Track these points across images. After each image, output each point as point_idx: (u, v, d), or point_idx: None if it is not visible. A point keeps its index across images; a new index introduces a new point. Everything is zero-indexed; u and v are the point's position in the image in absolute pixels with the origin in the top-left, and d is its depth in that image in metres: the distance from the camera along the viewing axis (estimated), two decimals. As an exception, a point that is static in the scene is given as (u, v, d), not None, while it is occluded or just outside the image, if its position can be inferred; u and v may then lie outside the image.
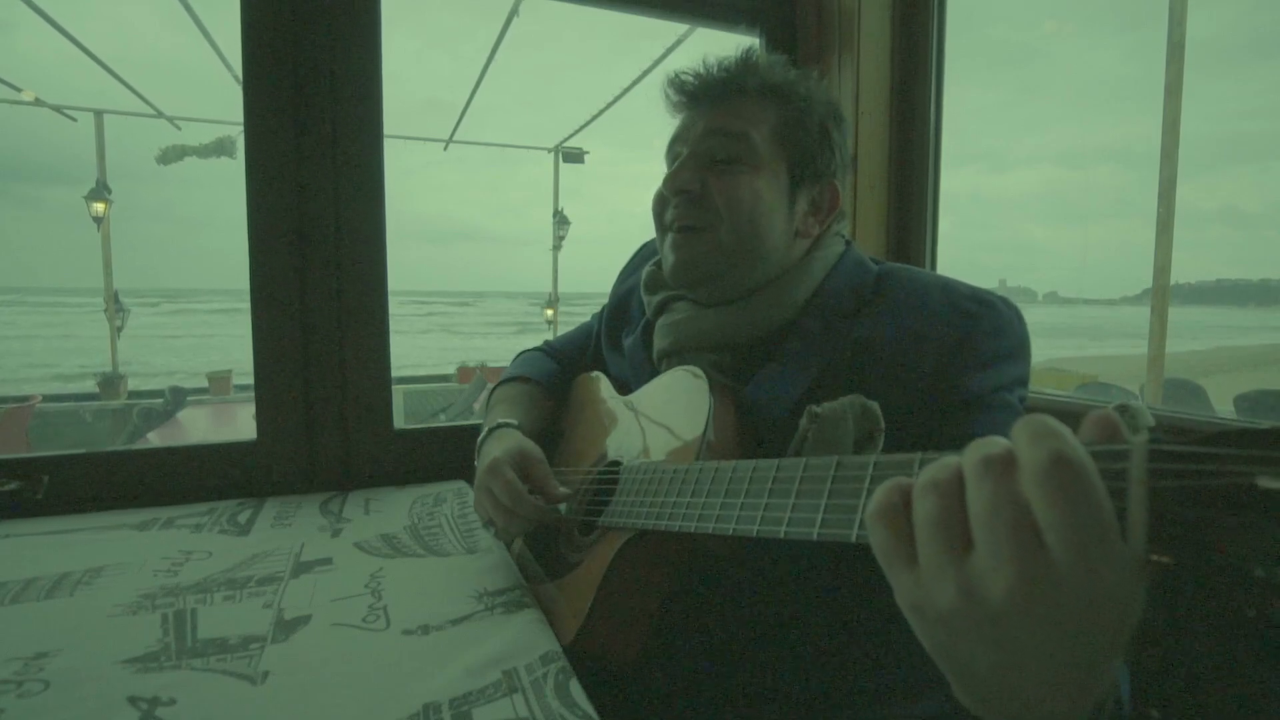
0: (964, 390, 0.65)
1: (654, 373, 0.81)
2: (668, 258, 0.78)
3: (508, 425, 0.88)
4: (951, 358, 0.65)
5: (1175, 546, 0.27)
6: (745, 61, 0.78)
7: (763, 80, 0.77)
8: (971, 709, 0.35)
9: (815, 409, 0.63)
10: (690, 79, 0.78)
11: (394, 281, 1.15)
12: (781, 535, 0.46)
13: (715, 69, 0.78)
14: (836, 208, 0.79)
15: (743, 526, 0.51)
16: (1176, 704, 0.29)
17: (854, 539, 0.40)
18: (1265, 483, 0.25)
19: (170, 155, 8.44)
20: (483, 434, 0.88)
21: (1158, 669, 0.29)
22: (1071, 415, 0.33)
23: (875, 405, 0.62)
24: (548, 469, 0.79)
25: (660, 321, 0.82)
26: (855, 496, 0.41)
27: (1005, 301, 0.69)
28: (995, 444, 0.31)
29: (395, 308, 1.28)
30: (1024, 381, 0.69)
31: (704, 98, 0.78)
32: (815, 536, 0.43)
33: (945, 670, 0.35)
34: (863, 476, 0.41)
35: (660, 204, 0.79)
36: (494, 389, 1.01)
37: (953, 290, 0.70)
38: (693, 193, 0.75)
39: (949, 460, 0.33)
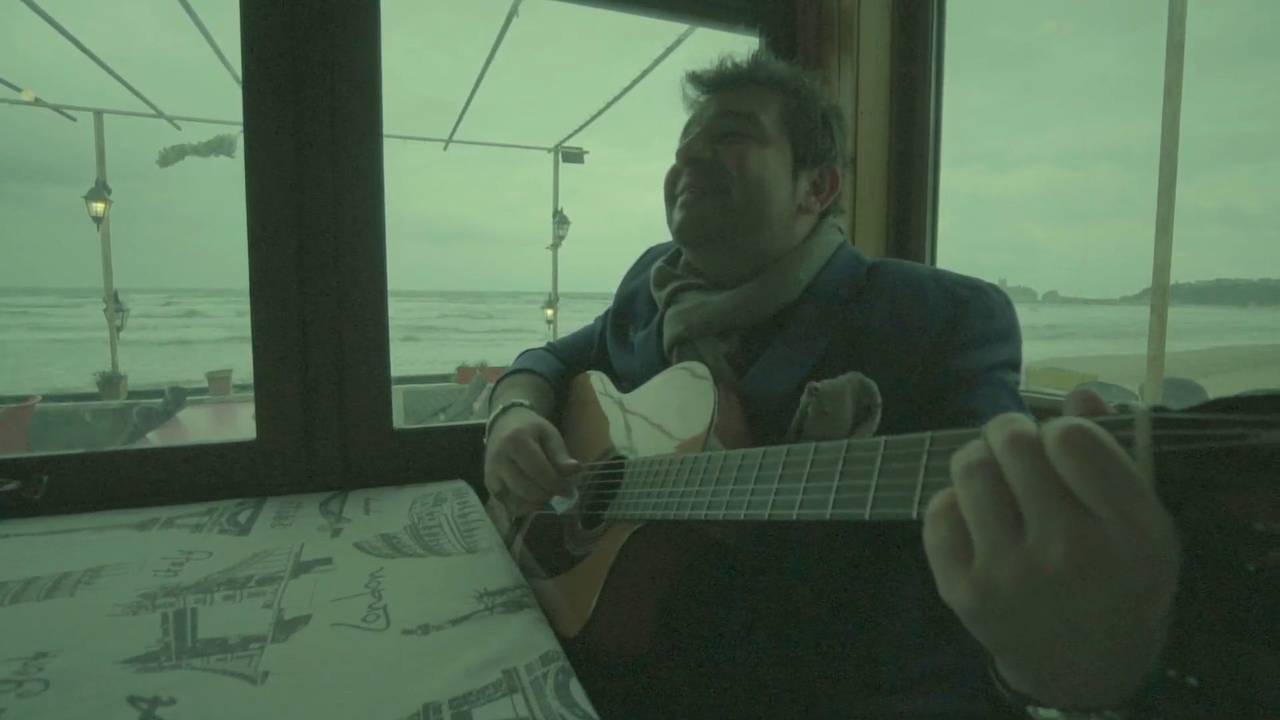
0: (957, 370, 0.67)
1: (665, 365, 0.83)
2: (676, 219, 0.82)
3: (521, 405, 0.90)
4: (944, 339, 0.68)
5: (1180, 506, 0.29)
6: (755, 58, 0.85)
7: (770, 73, 0.83)
8: (1029, 691, 0.36)
9: (815, 385, 0.65)
10: (706, 73, 0.85)
11: (393, 282, 1.15)
12: (794, 517, 0.47)
13: (729, 64, 0.85)
14: (836, 188, 0.84)
15: (754, 511, 0.51)
16: (1211, 670, 0.30)
17: (867, 517, 0.41)
18: (1260, 442, 0.26)
19: (169, 156, 8.42)
20: (496, 411, 0.90)
21: (1192, 632, 0.30)
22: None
23: (872, 382, 0.64)
24: (563, 445, 0.81)
25: (670, 312, 0.85)
26: (867, 477, 0.42)
27: (995, 288, 0.72)
28: (1018, 420, 0.32)
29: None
30: (1015, 365, 0.71)
31: (718, 88, 0.84)
32: (828, 516, 0.44)
33: (1003, 656, 0.36)
34: (874, 458, 0.42)
35: (672, 178, 0.84)
36: (499, 381, 1.03)
37: (944, 278, 0.73)
38: (704, 160, 0.80)
39: (976, 444, 0.34)
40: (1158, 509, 0.29)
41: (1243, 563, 0.27)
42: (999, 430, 0.32)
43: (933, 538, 0.34)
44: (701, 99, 0.86)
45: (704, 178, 0.79)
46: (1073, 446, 0.30)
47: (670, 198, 0.83)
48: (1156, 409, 0.30)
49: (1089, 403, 0.33)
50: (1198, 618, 0.31)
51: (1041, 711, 0.36)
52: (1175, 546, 0.29)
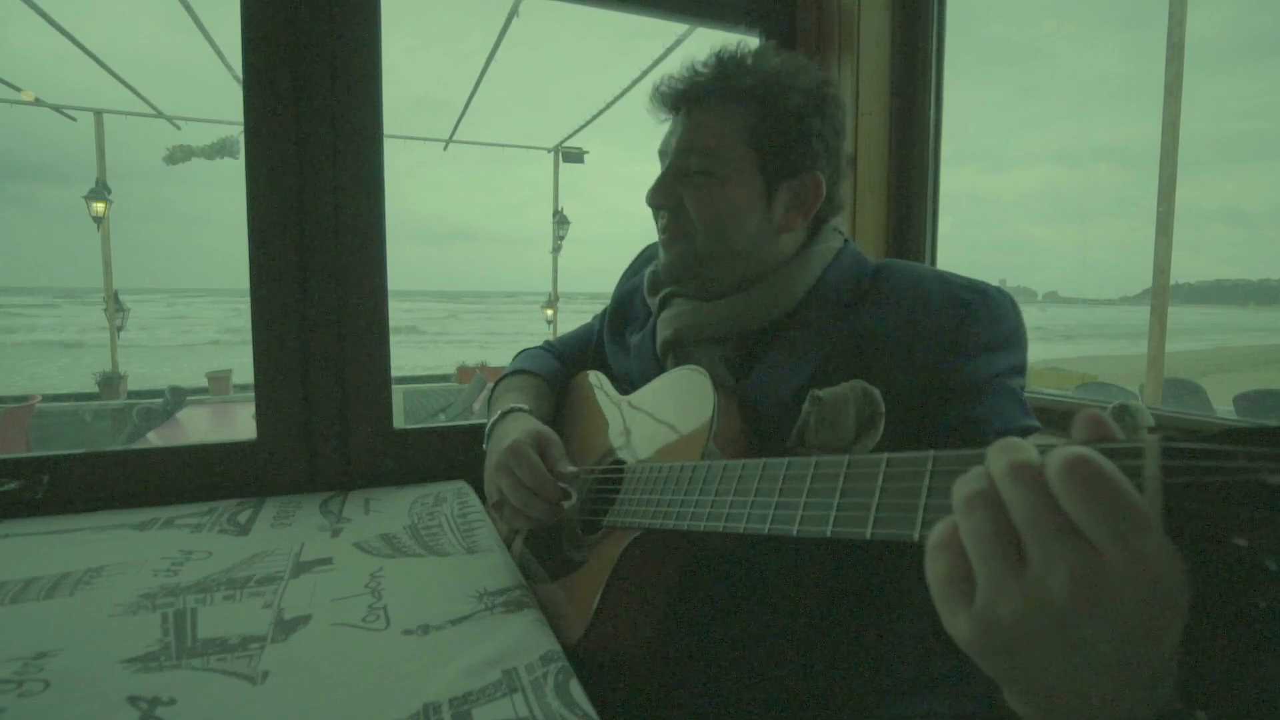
0: (962, 376, 0.66)
1: (660, 367, 0.82)
2: (659, 257, 0.83)
3: (520, 410, 0.89)
4: (949, 345, 0.67)
5: (1189, 540, 0.28)
6: (716, 64, 0.78)
7: (729, 84, 0.77)
8: None
9: (818, 393, 0.64)
10: (665, 89, 0.80)
11: (392, 282, 1.15)
12: (794, 534, 0.47)
13: (685, 77, 0.79)
14: (819, 198, 0.78)
15: (753, 525, 0.51)
16: (1221, 704, 0.30)
17: (869, 536, 0.40)
18: (1274, 479, 0.25)
19: (177, 155, 8.50)
20: (494, 417, 0.90)
21: (1200, 666, 0.30)
22: (1071, 414, 0.34)
23: (876, 390, 0.63)
24: (563, 453, 0.80)
25: (663, 316, 0.84)
26: (869, 495, 0.41)
27: (1000, 291, 0.71)
28: (1020, 448, 0.31)
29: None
30: (1021, 369, 0.70)
31: (680, 105, 0.80)
32: (829, 534, 0.43)
33: (1009, 688, 0.35)
34: (875, 475, 0.41)
35: (653, 211, 0.83)
36: (498, 382, 1.03)
37: (949, 281, 0.72)
38: (667, 208, 0.79)
39: (977, 470, 0.33)
40: (1164, 544, 0.28)
41: (1254, 600, 0.26)
42: (1000, 457, 0.31)
43: (934, 569, 0.33)
44: (671, 116, 0.82)
45: (671, 223, 0.79)
46: (1076, 477, 0.29)
47: (657, 228, 0.83)
48: (1166, 438, 0.29)
49: (1096, 426, 0.32)
50: (1206, 652, 0.30)
51: None
52: (1182, 582, 0.28)
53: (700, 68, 0.78)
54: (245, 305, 1.07)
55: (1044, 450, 0.31)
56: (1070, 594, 0.29)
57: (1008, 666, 0.33)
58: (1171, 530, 0.28)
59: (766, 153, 0.76)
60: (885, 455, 0.41)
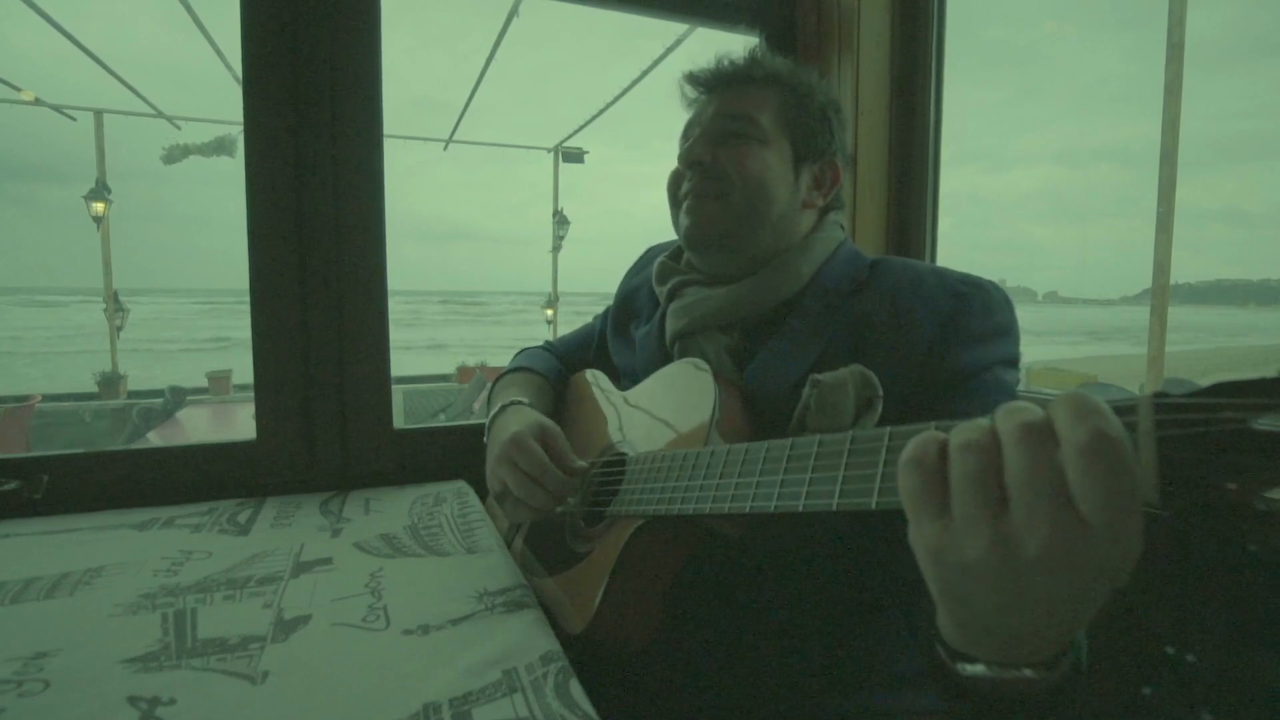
0: (956, 366, 0.68)
1: (667, 359, 0.83)
2: (682, 223, 0.83)
3: (520, 403, 0.90)
4: (944, 335, 0.69)
5: (1182, 489, 0.29)
6: (752, 56, 0.85)
7: (767, 70, 0.83)
8: (958, 644, 0.39)
9: (818, 377, 0.66)
10: (703, 73, 0.85)
11: (392, 282, 1.15)
12: (800, 508, 0.47)
13: (726, 62, 0.85)
14: (838, 182, 0.85)
15: (759, 504, 0.51)
16: (1210, 648, 0.31)
17: (874, 506, 0.41)
18: (1260, 425, 0.27)
19: (175, 154, 8.52)
20: (495, 410, 0.90)
21: (1194, 611, 0.31)
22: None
23: (874, 374, 0.65)
24: (567, 445, 0.80)
25: (672, 306, 0.85)
26: (873, 466, 0.42)
27: (994, 285, 0.73)
28: (1032, 411, 0.33)
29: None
30: (1014, 362, 0.71)
31: (716, 87, 0.85)
32: (835, 506, 0.44)
33: (944, 607, 0.38)
34: (879, 448, 0.42)
35: (675, 181, 0.84)
36: (497, 380, 1.03)
37: (945, 275, 0.74)
38: (705, 164, 0.80)
39: (981, 423, 0.35)
40: (1142, 521, 0.30)
41: (1245, 543, 0.28)
42: (1010, 418, 0.33)
43: (905, 484, 0.36)
44: (700, 99, 0.86)
45: (706, 182, 0.80)
46: (1099, 457, 0.30)
47: (675, 200, 0.84)
48: (1158, 394, 0.30)
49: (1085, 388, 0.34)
50: (1199, 597, 0.32)
51: (968, 667, 0.38)
52: (1140, 531, 0.31)
53: (734, 58, 0.85)
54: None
55: (1046, 406, 0.33)
56: (1042, 552, 0.31)
57: (953, 583, 0.35)
58: (1165, 480, 0.30)
59: (795, 132, 0.82)
60: (888, 428, 0.42)
